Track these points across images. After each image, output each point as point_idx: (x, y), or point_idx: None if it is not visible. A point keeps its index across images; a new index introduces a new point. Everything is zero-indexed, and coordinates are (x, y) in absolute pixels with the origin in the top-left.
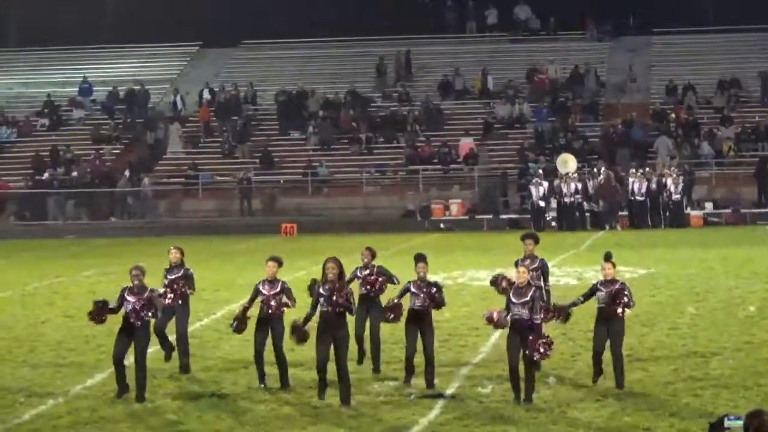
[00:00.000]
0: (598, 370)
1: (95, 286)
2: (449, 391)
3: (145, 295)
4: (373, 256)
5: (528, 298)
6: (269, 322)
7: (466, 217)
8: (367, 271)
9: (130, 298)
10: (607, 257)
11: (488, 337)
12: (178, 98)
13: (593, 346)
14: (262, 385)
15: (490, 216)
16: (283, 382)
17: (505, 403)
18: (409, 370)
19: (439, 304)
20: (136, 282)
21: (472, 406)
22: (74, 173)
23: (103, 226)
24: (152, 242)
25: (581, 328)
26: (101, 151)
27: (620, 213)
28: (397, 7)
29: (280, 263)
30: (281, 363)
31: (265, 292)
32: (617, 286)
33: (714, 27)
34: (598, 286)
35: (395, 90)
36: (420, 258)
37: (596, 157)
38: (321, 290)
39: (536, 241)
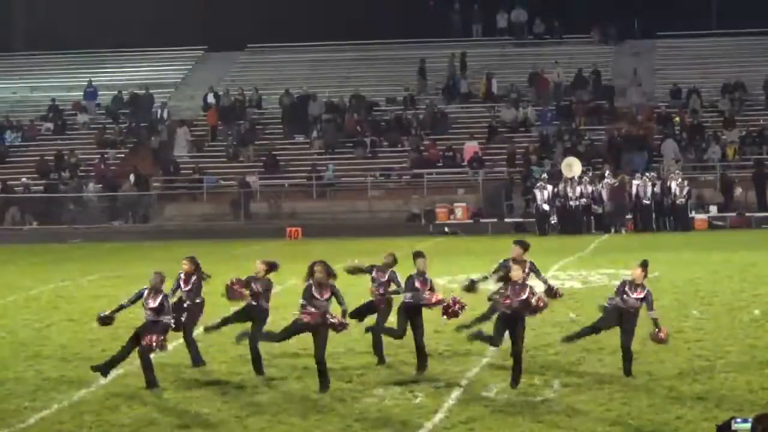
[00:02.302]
0: (583, 332)
1: (100, 290)
2: (454, 394)
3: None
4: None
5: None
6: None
7: (471, 221)
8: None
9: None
10: (642, 264)
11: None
12: (165, 112)
13: (597, 323)
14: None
15: (495, 220)
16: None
17: (510, 405)
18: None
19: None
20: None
21: (477, 409)
22: (23, 179)
23: (108, 230)
24: (157, 246)
25: None
26: (106, 156)
27: (627, 216)
28: (403, 10)
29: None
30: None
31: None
32: (644, 294)
33: (718, 31)
34: (626, 289)
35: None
36: (419, 254)
37: (601, 160)
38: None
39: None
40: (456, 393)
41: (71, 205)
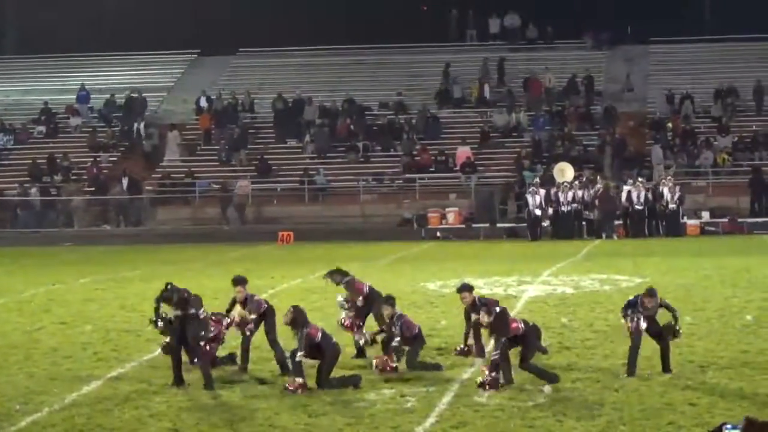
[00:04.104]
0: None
1: (91, 293)
2: (445, 399)
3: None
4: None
5: None
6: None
7: (463, 226)
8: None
9: None
10: (651, 293)
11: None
12: (141, 126)
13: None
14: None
15: (487, 225)
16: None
17: (501, 410)
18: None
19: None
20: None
21: (468, 415)
22: None
23: (100, 234)
24: (148, 250)
25: (578, 337)
26: (98, 159)
27: (616, 222)
28: (396, 15)
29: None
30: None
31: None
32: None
33: (711, 36)
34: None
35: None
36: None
37: (593, 166)
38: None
39: (470, 291)
40: (447, 398)
41: (18, 210)
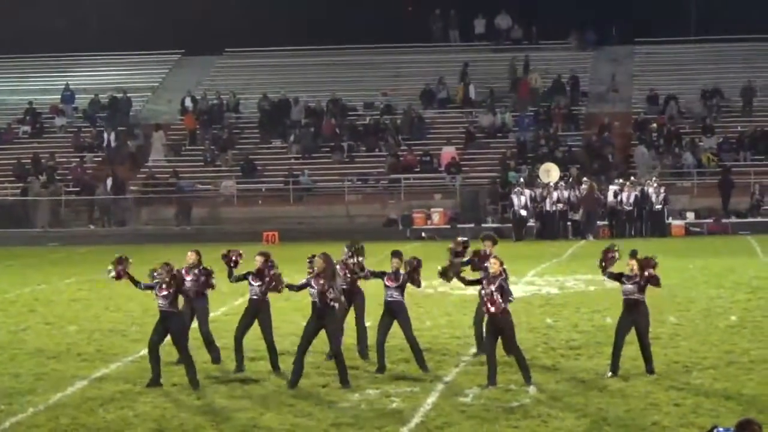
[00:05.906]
0: (616, 363)
1: (77, 293)
2: (430, 400)
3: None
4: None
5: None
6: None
7: (448, 226)
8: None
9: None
10: (633, 254)
11: (469, 346)
12: (112, 135)
13: (616, 337)
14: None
15: (472, 225)
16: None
17: (486, 411)
18: (381, 359)
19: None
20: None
21: (453, 415)
22: None
23: (85, 234)
24: (133, 250)
25: (563, 337)
26: (83, 159)
27: (599, 223)
28: (382, 15)
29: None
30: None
31: (254, 284)
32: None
33: (696, 37)
34: (624, 280)
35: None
36: (396, 254)
37: (578, 166)
38: (313, 283)
39: (494, 242)
40: (432, 398)
41: None
